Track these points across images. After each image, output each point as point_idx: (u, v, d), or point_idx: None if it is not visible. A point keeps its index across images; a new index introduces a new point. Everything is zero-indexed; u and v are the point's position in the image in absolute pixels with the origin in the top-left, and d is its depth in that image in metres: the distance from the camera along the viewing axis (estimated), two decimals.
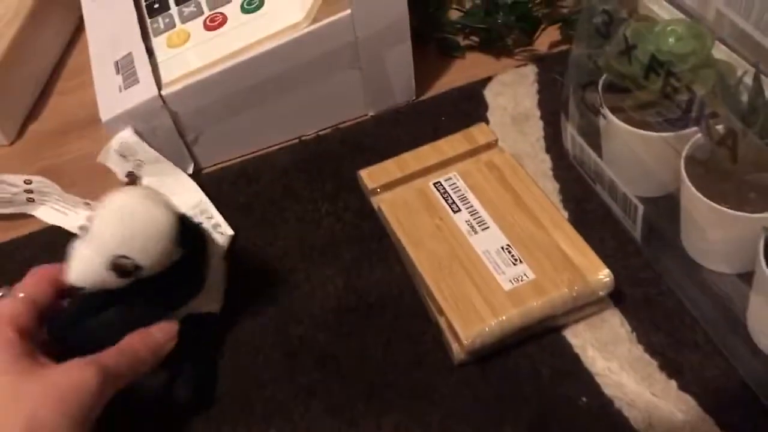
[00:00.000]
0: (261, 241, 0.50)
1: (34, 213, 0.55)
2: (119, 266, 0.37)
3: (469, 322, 0.40)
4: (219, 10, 0.56)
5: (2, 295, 0.42)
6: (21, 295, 0.39)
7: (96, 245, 0.37)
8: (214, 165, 0.56)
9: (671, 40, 0.41)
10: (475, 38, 0.61)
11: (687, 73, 0.38)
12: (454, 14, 0.63)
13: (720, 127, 0.38)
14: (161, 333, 0.40)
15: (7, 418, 0.34)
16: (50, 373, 0.36)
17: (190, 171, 0.56)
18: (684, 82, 0.37)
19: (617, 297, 0.44)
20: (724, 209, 0.39)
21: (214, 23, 0.55)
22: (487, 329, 0.40)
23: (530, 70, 0.59)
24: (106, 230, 0.37)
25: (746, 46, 0.43)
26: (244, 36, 0.53)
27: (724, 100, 0.38)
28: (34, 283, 0.40)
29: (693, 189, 0.40)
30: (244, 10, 0.55)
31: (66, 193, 0.55)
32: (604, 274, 0.41)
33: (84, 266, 0.37)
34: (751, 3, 0.41)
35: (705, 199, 0.40)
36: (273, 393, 0.43)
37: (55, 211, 0.55)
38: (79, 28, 0.70)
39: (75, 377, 0.35)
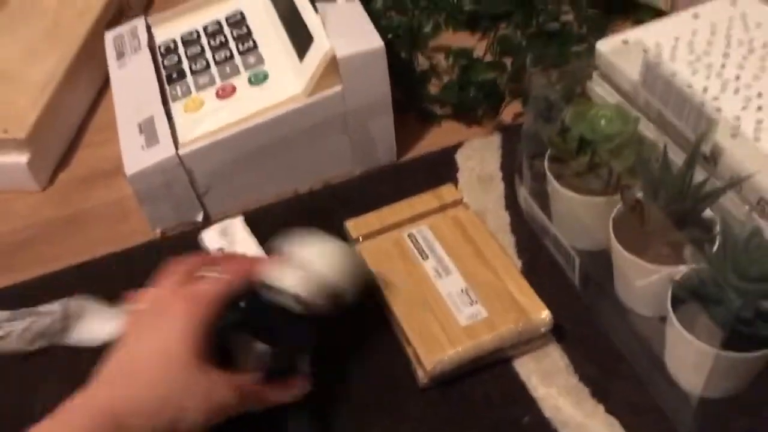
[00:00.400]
0: None
1: (68, 342, 0.55)
2: (338, 296, 0.43)
3: (432, 351, 0.48)
4: (229, 82, 0.65)
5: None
6: (226, 277, 0.43)
7: (323, 269, 0.43)
8: (222, 214, 0.65)
9: (602, 122, 0.51)
10: (449, 109, 0.71)
11: (608, 152, 0.47)
12: (433, 88, 0.72)
13: (638, 196, 0.47)
14: (296, 389, 0.45)
15: (173, 399, 0.39)
16: (212, 375, 0.40)
17: (200, 219, 0.64)
18: (605, 159, 0.46)
19: (559, 334, 0.52)
20: (643, 262, 0.48)
21: (225, 92, 0.64)
22: (446, 357, 0.48)
23: (496, 138, 0.68)
24: (333, 260, 0.44)
25: (665, 127, 0.52)
26: (250, 105, 0.62)
27: (640, 174, 0.47)
28: (237, 271, 0.43)
29: (618, 245, 0.49)
30: (251, 83, 0.64)
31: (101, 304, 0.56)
32: (545, 314, 0.50)
33: (304, 282, 0.43)
34: (668, 92, 0.50)
35: (627, 253, 0.48)
36: None
37: (91, 328, 0.55)
38: (104, 87, 0.80)
39: (223, 393, 0.40)
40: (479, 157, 0.67)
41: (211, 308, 0.41)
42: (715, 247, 0.44)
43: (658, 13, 0.72)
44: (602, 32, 0.73)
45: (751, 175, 0.46)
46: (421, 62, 0.76)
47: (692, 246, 0.42)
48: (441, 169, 0.66)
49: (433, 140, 0.70)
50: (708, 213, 0.48)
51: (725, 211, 0.47)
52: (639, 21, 0.72)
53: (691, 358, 0.45)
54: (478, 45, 0.77)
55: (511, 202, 0.62)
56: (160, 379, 0.39)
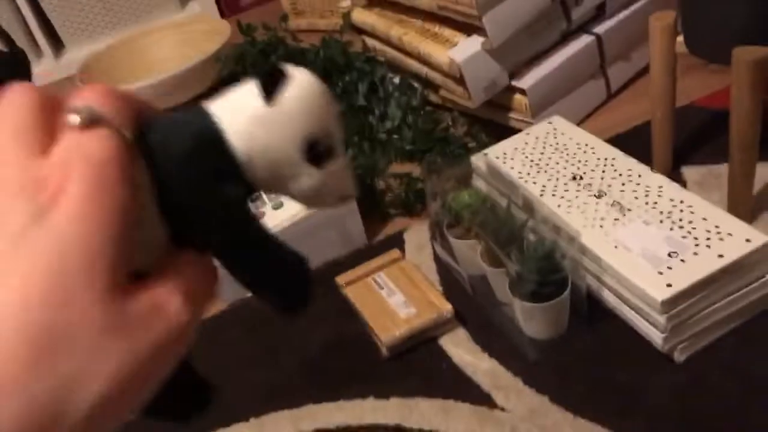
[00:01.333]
0: None
1: None
2: (313, 145, 0.29)
3: (386, 332, 0.86)
4: (260, 209, 1.08)
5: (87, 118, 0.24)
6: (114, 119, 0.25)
7: (286, 118, 0.29)
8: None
9: (465, 199, 0.92)
10: (400, 210, 1.13)
11: (469, 215, 0.88)
12: (389, 198, 1.15)
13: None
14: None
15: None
16: (136, 301, 0.24)
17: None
18: (467, 220, 0.87)
19: (462, 320, 0.90)
20: (494, 269, 0.87)
21: (259, 215, 1.07)
22: (397, 334, 0.86)
23: (425, 223, 1.09)
24: (301, 103, 0.29)
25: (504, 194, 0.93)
26: (274, 222, 1.04)
27: (483, 223, 0.88)
28: (118, 108, 0.25)
29: (483, 263, 0.88)
30: (274, 209, 1.07)
31: None
32: (448, 307, 0.88)
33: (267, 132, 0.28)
34: (498, 176, 0.92)
35: (488, 266, 0.88)
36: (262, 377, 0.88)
37: None
38: None
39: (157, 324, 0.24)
40: (417, 234, 1.08)
41: (127, 181, 0.24)
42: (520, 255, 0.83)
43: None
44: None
45: (547, 215, 0.86)
46: (381, 184, 1.19)
47: (507, 257, 0.82)
48: (394, 244, 1.06)
49: (389, 229, 1.11)
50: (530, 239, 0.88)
51: (535, 237, 0.87)
52: None
53: (525, 315, 0.84)
54: (416, 168, 1.20)
55: (436, 257, 1.02)
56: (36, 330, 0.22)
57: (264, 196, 1.10)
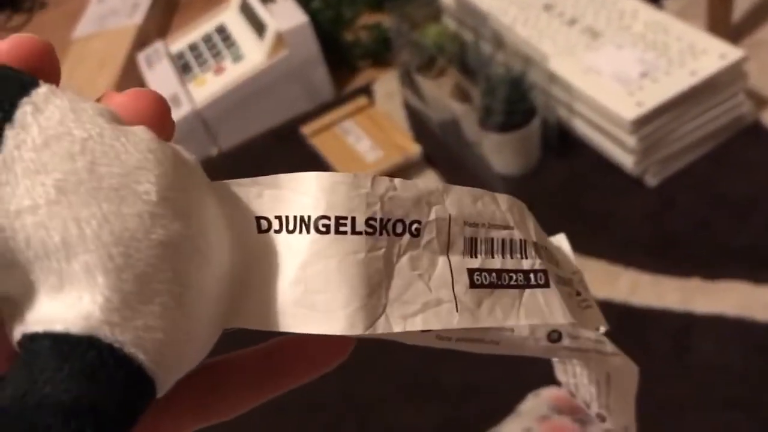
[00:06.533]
0: None
1: None
2: None
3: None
4: (220, 64, 1.03)
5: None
6: None
7: None
8: (230, 146, 1.01)
9: (434, 30, 0.87)
10: (369, 61, 1.08)
11: (437, 51, 0.83)
12: (358, 51, 1.10)
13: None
14: None
15: None
16: None
17: (215, 153, 1.01)
18: (437, 56, 0.83)
19: (430, 162, 0.88)
20: (462, 105, 0.84)
21: (219, 70, 1.02)
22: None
23: (395, 73, 1.05)
24: None
25: (471, 30, 0.88)
26: (236, 74, 1.00)
27: (454, 57, 0.83)
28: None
29: (452, 101, 0.85)
30: (234, 61, 1.02)
31: None
32: (416, 147, 0.86)
33: None
34: (468, 9, 0.87)
35: (455, 102, 0.84)
36: None
37: None
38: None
39: None
40: (386, 84, 1.03)
41: None
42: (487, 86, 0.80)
43: None
44: None
45: (517, 46, 0.82)
46: (349, 36, 1.13)
47: (472, 86, 0.78)
48: (364, 94, 1.02)
49: (358, 82, 1.06)
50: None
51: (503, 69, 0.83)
52: None
53: (493, 149, 0.81)
54: (386, 19, 1.14)
55: (406, 105, 0.98)
56: None
57: (225, 53, 1.05)
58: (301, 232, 0.15)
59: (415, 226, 0.17)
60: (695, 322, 0.65)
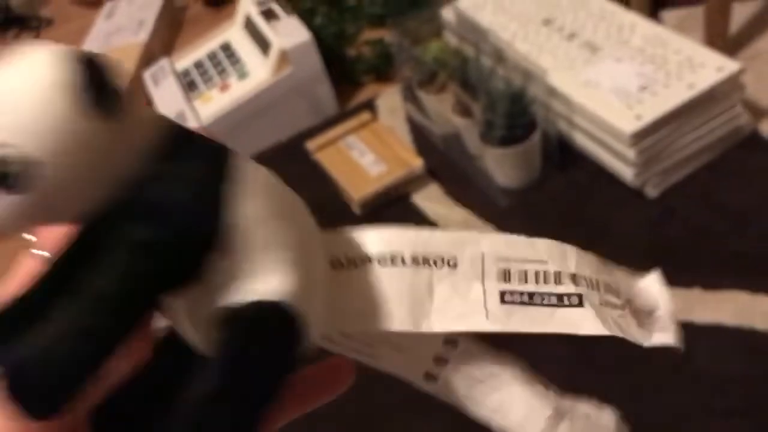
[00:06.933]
0: None
1: None
2: None
3: (358, 191, 0.85)
4: (225, 81, 1.05)
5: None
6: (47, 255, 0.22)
7: None
8: None
9: (436, 47, 0.89)
10: (372, 76, 1.09)
11: (438, 67, 0.85)
12: (361, 66, 1.11)
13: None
14: None
15: None
16: None
17: None
18: (438, 72, 0.84)
19: (434, 175, 0.89)
20: (465, 120, 0.85)
21: (224, 88, 1.04)
22: (368, 190, 0.85)
23: (397, 87, 1.06)
24: None
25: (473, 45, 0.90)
26: (241, 91, 1.01)
27: (454, 72, 0.85)
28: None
29: (453, 115, 0.86)
30: (239, 79, 1.04)
31: None
32: (419, 162, 0.87)
33: None
34: (468, 26, 0.88)
35: (456, 117, 0.86)
36: None
37: None
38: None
39: None
40: (389, 99, 1.05)
41: None
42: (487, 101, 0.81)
43: None
44: None
45: (517, 61, 0.83)
46: (352, 52, 1.15)
47: (473, 101, 0.80)
48: (367, 109, 1.04)
49: (362, 97, 1.08)
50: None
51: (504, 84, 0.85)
52: None
53: (495, 162, 0.82)
54: (388, 34, 1.15)
55: (409, 119, 1.00)
56: None
57: (230, 70, 1.07)
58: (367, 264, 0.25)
59: (452, 261, 0.24)
60: (695, 331, 0.66)
